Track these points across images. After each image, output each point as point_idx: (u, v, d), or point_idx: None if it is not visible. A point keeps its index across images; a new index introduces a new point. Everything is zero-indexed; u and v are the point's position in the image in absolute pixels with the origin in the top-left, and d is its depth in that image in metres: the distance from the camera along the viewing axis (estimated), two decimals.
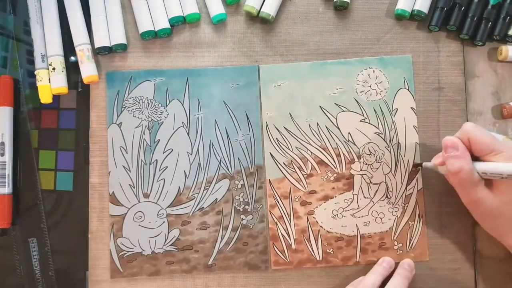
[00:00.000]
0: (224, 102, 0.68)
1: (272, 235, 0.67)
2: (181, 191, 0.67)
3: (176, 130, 0.68)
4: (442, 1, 0.67)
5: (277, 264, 0.67)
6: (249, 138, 0.68)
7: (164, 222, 0.67)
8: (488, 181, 0.59)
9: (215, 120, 0.68)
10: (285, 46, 0.69)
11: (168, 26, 0.68)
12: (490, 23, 0.67)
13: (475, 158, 0.59)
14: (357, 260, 0.67)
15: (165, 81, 0.68)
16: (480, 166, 0.58)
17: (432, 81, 0.68)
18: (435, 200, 0.67)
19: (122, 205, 0.67)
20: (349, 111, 0.68)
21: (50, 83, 0.66)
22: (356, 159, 0.67)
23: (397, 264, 0.66)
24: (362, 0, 0.70)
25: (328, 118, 0.68)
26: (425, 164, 0.65)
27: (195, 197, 0.67)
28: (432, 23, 0.68)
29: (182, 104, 0.68)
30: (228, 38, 0.69)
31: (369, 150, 0.67)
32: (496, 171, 0.56)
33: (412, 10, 0.68)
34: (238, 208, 0.67)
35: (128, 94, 0.68)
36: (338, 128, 0.68)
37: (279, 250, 0.67)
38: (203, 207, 0.67)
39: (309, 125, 0.68)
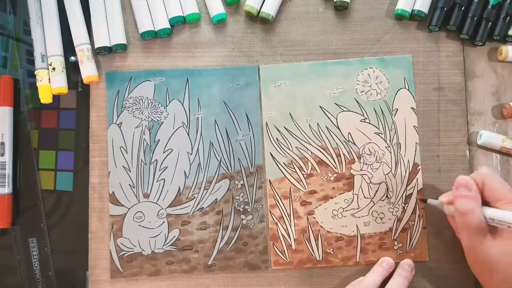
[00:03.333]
0: (224, 102, 0.68)
1: (272, 235, 0.67)
2: (181, 191, 0.67)
3: (176, 130, 0.68)
4: (442, 1, 0.67)
5: (277, 264, 0.67)
6: (249, 138, 0.68)
7: (164, 222, 0.67)
8: (492, 229, 0.58)
9: (215, 120, 0.68)
10: (285, 46, 0.69)
11: (168, 26, 0.68)
12: (490, 23, 0.67)
13: (484, 203, 0.58)
14: (357, 260, 0.67)
15: (165, 81, 0.68)
16: (490, 211, 0.57)
17: (432, 81, 0.68)
18: None
19: (122, 205, 0.67)
20: (349, 111, 0.68)
21: (50, 83, 0.66)
22: (356, 159, 0.67)
23: (397, 264, 0.66)
24: (362, 0, 0.70)
25: (328, 118, 0.68)
26: (429, 201, 0.64)
27: (195, 197, 0.67)
28: (432, 23, 0.68)
29: (182, 104, 0.68)
30: (228, 38, 0.69)
31: (369, 150, 0.67)
32: (505, 219, 0.56)
33: (412, 10, 0.68)
34: (238, 208, 0.67)
35: (128, 94, 0.68)
36: (338, 128, 0.68)
37: (279, 250, 0.67)
38: (203, 207, 0.67)
39: (309, 125, 0.68)
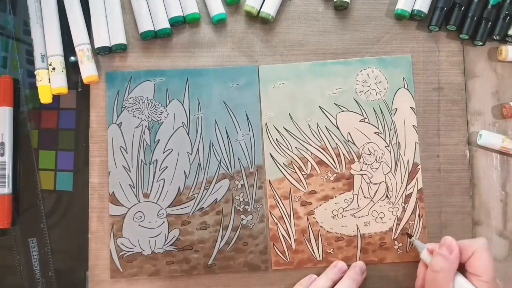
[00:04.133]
0: (224, 102, 0.68)
1: (273, 236, 0.67)
2: (181, 191, 0.67)
3: (176, 130, 0.68)
4: (442, 1, 0.67)
5: (278, 264, 0.67)
6: (249, 138, 0.68)
7: (164, 222, 0.67)
8: None
9: (215, 120, 0.68)
10: (285, 46, 0.69)
11: (168, 26, 0.68)
12: (490, 23, 0.67)
13: (462, 270, 0.59)
14: (358, 260, 0.67)
15: (165, 81, 0.68)
16: (459, 282, 0.57)
17: (432, 81, 0.68)
18: (435, 200, 0.67)
19: (122, 205, 0.67)
20: (348, 111, 0.68)
21: (50, 83, 0.66)
22: (356, 159, 0.67)
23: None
24: (362, 0, 0.70)
25: (328, 118, 0.68)
26: (414, 240, 0.64)
27: (195, 197, 0.67)
28: (432, 23, 0.68)
29: (182, 104, 0.68)
30: (228, 38, 0.69)
31: (369, 150, 0.67)
32: None
33: (412, 10, 0.68)
34: (238, 208, 0.67)
35: (128, 94, 0.68)
36: (338, 128, 0.68)
37: (279, 251, 0.67)
38: (203, 207, 0.67)
39: (309, 125, 0.68)
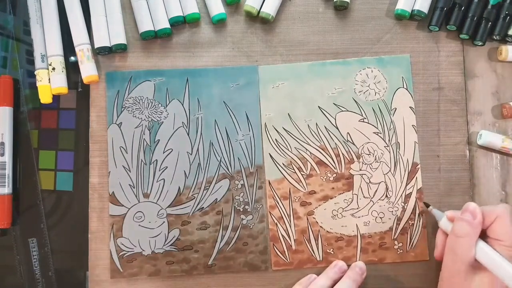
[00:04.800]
0: (224, 102, 0.68)
1: (272, 236, 0.67)
2: (181, 191, 0.67)
3: (176, 130, 0.68)
4: (442, 1, 0.67)
5: (278, 265, 0.67)
6: (249, 138, 0.68)
7: (164, 222, 0.67)
8: (477, 263, 0.58)
9: (215, 120, 0.68)
10: (285, 46, 0.69)
11: (168, 26, 0.68)
12: (490, 23, 0.67)
13: (484, 236, 0.59)
14: (358, 260, 0.67)
15: (165, 81, 0.68)
16: (481, 251, 0.57)
17: (432, 81, 0.68)
18: (435, 200, 0.67)
19: (122, 205, 0.67)
20: (348, 111, 0.68)
21: (50, 83, 0.66)
22: (355, 159, 0.67)
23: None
24: (362, 0, 0.70)
25: (327, 118, 0.68)
26: (432, 208, 0.64)
27: (195, 197, 0.67)
28: (432, 23, 0.68)
29: (182, 104, 0.68)
30: (228, 38, 0.69)
31: (368, 150, 0.67)
32: (489, 266, 0.57)
33: (412, 10, 0.68)
34: (238, 208, 0.67)
35: (128, 94, 0.68)
36: (337, 128, 0.68)
37: (279, 251, 0.67)
38: (203, 207, 0.67)
39: (308, 125, 0.68)
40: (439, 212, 0.63)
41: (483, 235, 0.59)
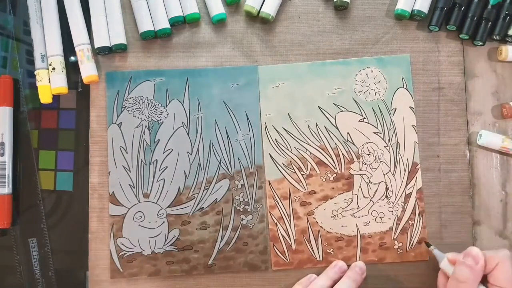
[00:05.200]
0: (224, 102, 0.68)
1: (272, 236, 0.67)
2: (181, 191, 0.67)
3: (176, 130, 0.68)
4: (442, 1, 0.67)
5: (278, 265, 0.67)
6: (249, 138, 0.68)
7: (164, 222, 0.67)
8: None
9: (215, 120, 0.68)
10: (285, 46, 0.69)
11: (168, 26, 0.68)
12: (490, 23, 0.67)
13: (485, 281, 0.59)
14: (358, 260, 0.67)
15: (165, 81, 0.68)
16: None
17: (432, 81, 0.68)
18: (435, 200, 0.67)
19: (122, 205, 0.67)
20: (347, 111, 0.68)
21: (50, 83, 0.66)
22: (355, 159, 0.67)
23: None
24: (362, 0, 0.70)
25: (327, 118, 0.68)
26: (433, 248, 0.64)
27: (195, 197, 0.67)
28: (432, 23, 0.68)
29: (182, 104, 0.68)
30: (228, 38, 0.69)
31: (368, 150, 0.67)
32: None
33: (412, 10, 0.68)
34: (238, 208, 0.67)
35: (128, 94, 0.68)
36: (337, 128, 0.68)
37: (279, 251, 0.67)
38: (203, 207, 0.67)
39: (308, 125, 0.68)
40: (440, 253, 0.63)
41: (484, 280, 0.59)
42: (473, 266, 0.57)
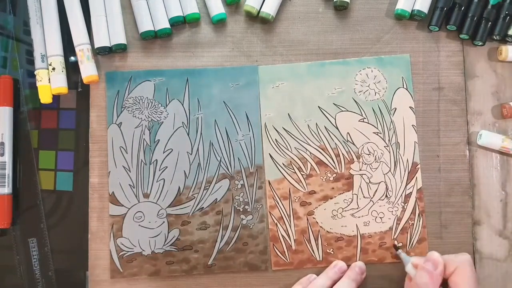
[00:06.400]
0: (224, 102, 0.68)
1: (272, 236, 0.67)
2: (181, 191, 0.67)
3: (176, 130, 0.68)
4: (442, 1, 0.67)
5: (278, 265, 0.67)
6: (249, 138, 0.68)
7: (164, 222, 0.67)
8: None
9: (215, 120, 0.68)
10: (285, 46, 0.69)
11: (168, 26, 0.68)
12: (490, 23, 0.67)
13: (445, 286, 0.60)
14: (358, 260, 0.67)
15: (165, 81, 0.68)
16: None
17: (432, 81, 0.68)
18: (435, 200, 0.67)
19: (122, 205, 0.67)
20: (347, 111, 0.68)
21: (50, 83, 0.66)
22: (355, 159, 0.67)
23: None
24: (362, 0, 0.70)
25: (327, 118, 0.68)
26: (400, 252, 0.65)
27: (195, 197, 0.67)
28: (432, 23, 0.68)
29: (182, 104, 0.68)
30: (228, 38, 0.69)
31: (368, 150, 0.67)
32: None
33: (412, 10, 0.68)
34: (238, 208, 0.67)
35: (128, 94, 0.68)
36: (337, 128, 0.68)
37: (279, 251, 0.67)
38: (203, 207, 0.67)
39: (308, 125, 0.68)
40: (406, 256, 0.64)
41: (445, 284, 0.60)
42: (431, 271, 0.59)
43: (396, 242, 0.66)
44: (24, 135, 0.69)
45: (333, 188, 0.67)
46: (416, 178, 0.67)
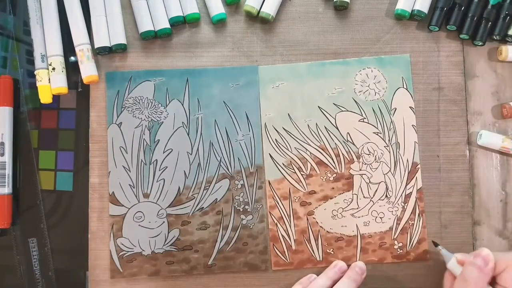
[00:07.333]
0: (224, 102, 0.68)
1: (272, 236, 0.67)
2: (181, 191, 0.67)
3: (176, 130, 0.68)
4: (442, 1, 0.67)
5: (278, 265, 0.67)
6: (249, 138, 0.68)
7: (164, 222, 0.67)
8: None
9: (215, 120, 0.68)
10: (285, 46, 0.69)
11: (168, 26, 0.68)
12: (490, 23, 0.67)
13: (494, 284, 0.59)
14: (358, 260, 0.67)
15: (165, 81, 0.68)
16: None
17: (432, 81, 0.68)
18: (435, 200, 0.67)
19: (122, 205, 0.67)
20: (347, 111, 0.68)
21: (50, 83, 0.66)
22: (355, 159, 0.67)
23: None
24: (362, 0, 0.70)
25: (327, 118, 0.68)
26: (441, 248, 0.63)
27: (195, 197, 0.67)
28: (432, 23, 0.68)
29: (182, 104, 0.68)
30: (228, 38, 0.69)
31: (368, 150, 0.67)
32: None
33: (412, 10, 0.68)
34: (238, 208, 0.67)
35: (128, 94, 0.68)
36: (337, 128, 0.68)
37: (279, 251, 0.67)
38: (203, 207, 0.67)
39: (308, 125, 0.68)
40: (448, 253, 0.62)
41: (492, 282, 0.58)
42: (482, 267, 0.57)
43: (434, 240, 0.65)
44: (24, 135, 0.69)
45: (333, 188, 0.67)
46: (416, 178, 0.67)
